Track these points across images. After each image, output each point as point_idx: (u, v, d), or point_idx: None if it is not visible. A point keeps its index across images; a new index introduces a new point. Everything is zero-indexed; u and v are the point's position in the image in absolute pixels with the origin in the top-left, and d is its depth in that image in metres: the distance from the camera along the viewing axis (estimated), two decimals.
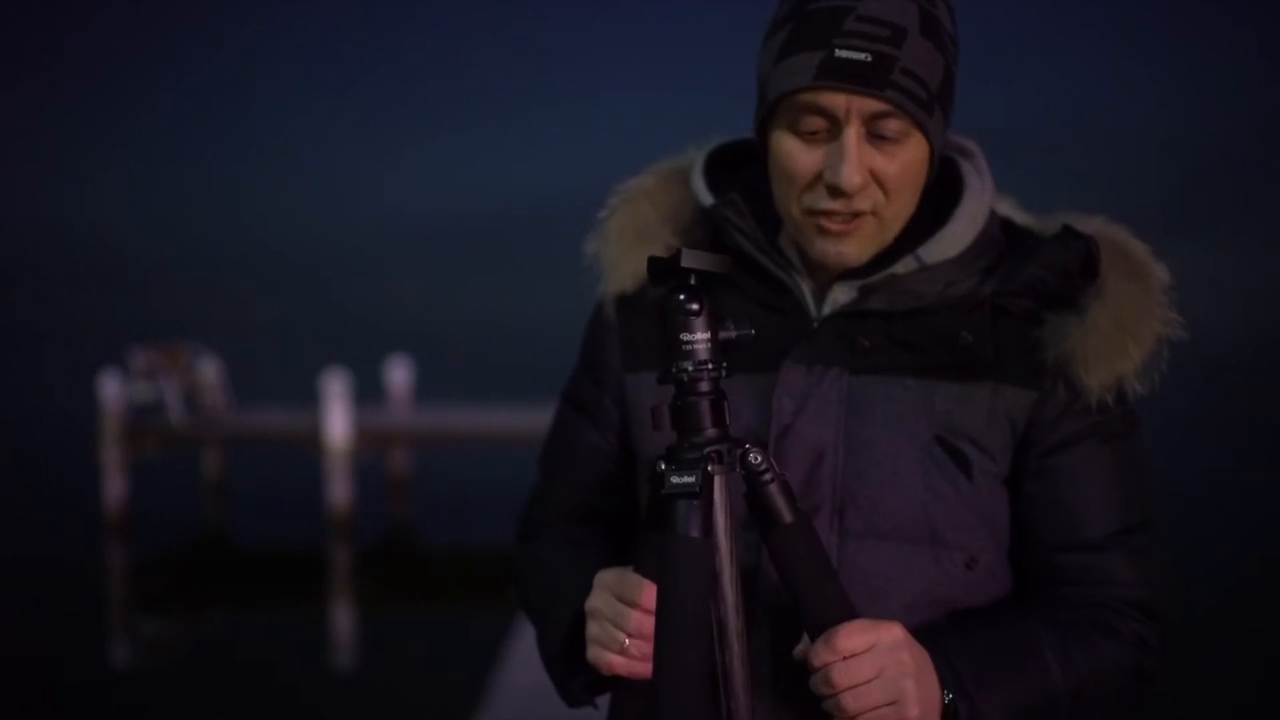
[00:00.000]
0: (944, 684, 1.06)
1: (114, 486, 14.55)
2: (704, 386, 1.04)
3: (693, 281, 1.04)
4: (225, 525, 15.74)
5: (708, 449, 1.04)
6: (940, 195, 1.22)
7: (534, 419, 15.37)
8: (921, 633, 1.09)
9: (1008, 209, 1.29)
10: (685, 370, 1.04)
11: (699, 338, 1.04)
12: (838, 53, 1.07)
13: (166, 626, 11.17)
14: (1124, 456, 1.20)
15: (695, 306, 1.04)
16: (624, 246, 1.27)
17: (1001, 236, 1.22)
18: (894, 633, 1.04)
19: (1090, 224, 1.22)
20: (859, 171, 1.09)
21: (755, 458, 1.05)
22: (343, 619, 11.62)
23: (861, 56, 1.07)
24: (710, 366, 1.04)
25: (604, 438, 1.32)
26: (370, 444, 14.97)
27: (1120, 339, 1.14)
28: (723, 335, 1.05)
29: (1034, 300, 1.17)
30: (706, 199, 1.25)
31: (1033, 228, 1.25)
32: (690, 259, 1.03)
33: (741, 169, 1.29)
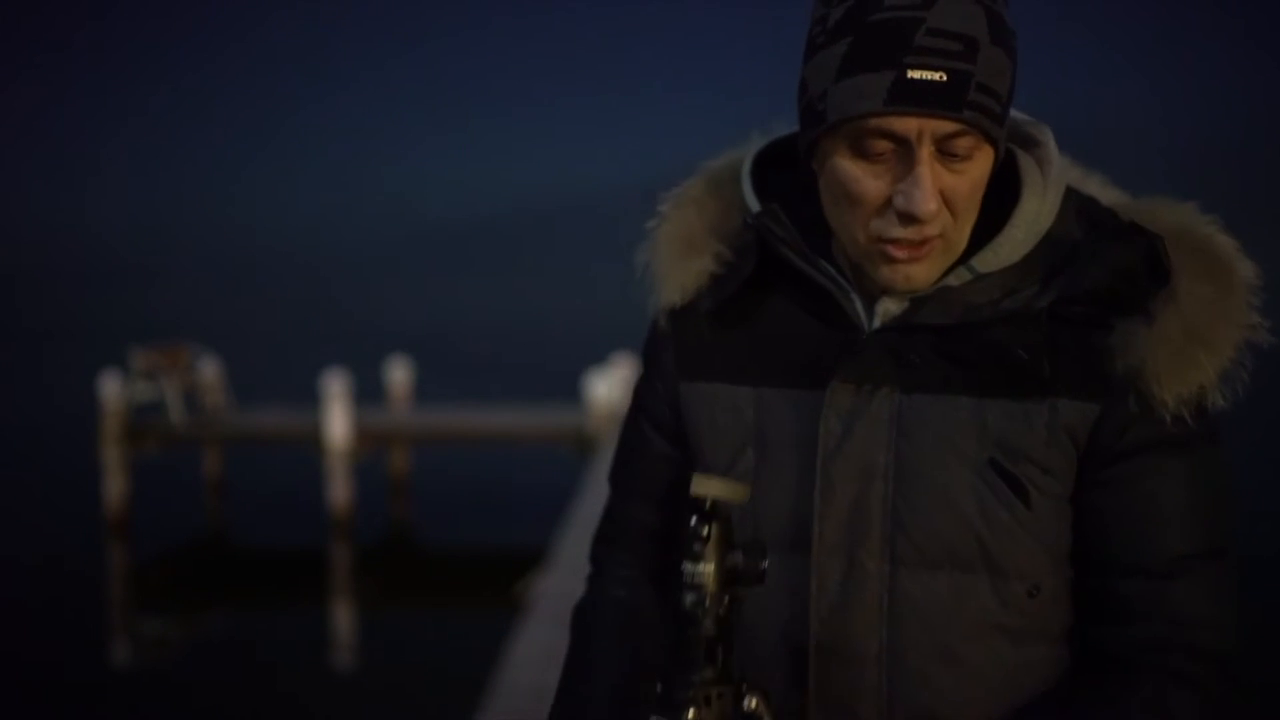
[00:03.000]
0: None
1: (115, 486, 14.57)
2: (706, 624, 0.99)
3: (707, 507, 0.99)
4: (225, 525, 15.76)
5: (698, 691, 0.98)
6: (998, 194, 1.11)
7: (534, 419, 15.39)
8: None
9: (1096, 187, 1.18)
10: (688, 602, 0.99)
11: (702, 570, 0.99)
12: (910, 73, 0.99)
13: (167, 625, 11.18)
14: (1199, 472, 1.08)
15: (704, 533, 0.98)
16: (673, 257, 1.22)
17: (1077, 228, 1.11)
18: None
19: (1176, 212, 1.11)
20: (934, 198, 1.02)
21: (750, 702, 1.00)
22: (343, 618, 11.63)
23: (936, 76, 0.99)
24: (713, 601, 0.98)
25: (669, 445, 1.28)
26: (370, 444, 14.98)
27: (1192, 350, 1.04)
28: (729, 563, 0.99)
29: (1098, 306, 1.07)
30: (754, 205, 1.18)
31: (1118, 210, 1.14)
32: (701, 486, 0.98)
33: (791, 166, 1.21)
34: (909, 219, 1.03)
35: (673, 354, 1.25)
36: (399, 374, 17.32)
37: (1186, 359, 1.04)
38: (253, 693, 8.64)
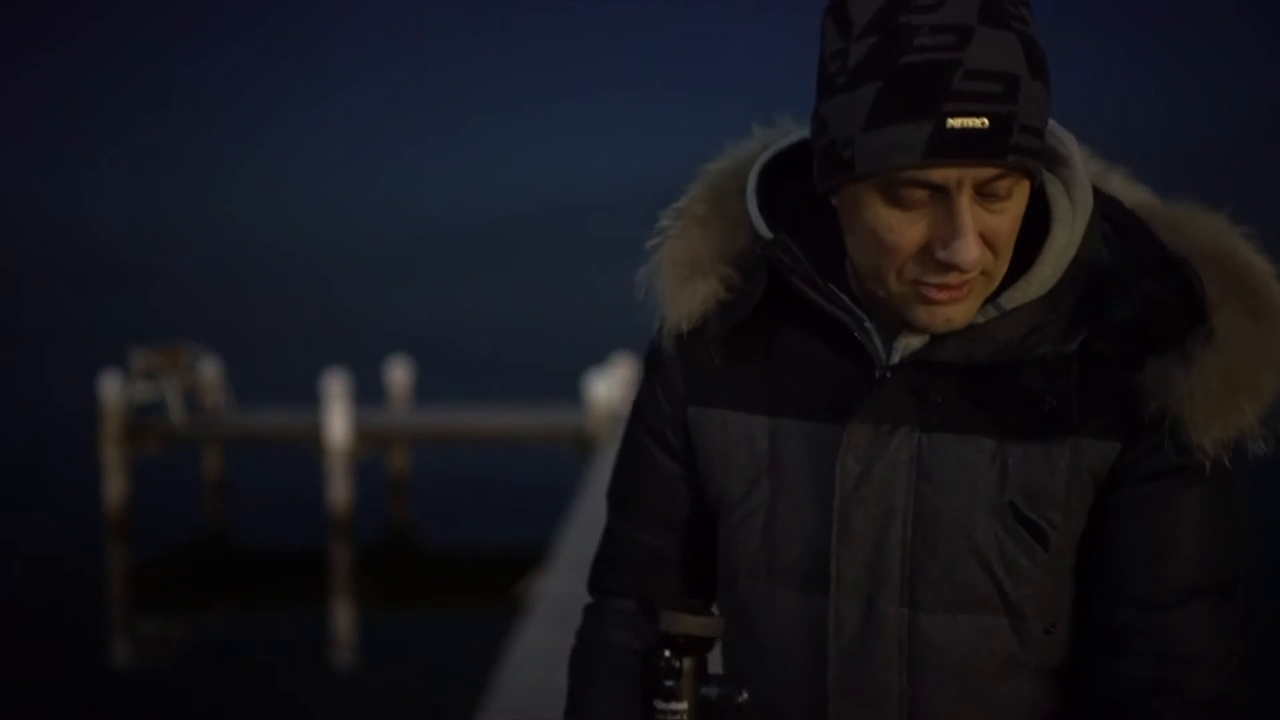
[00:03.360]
0: None
1: (115, 486, 14.56)
2: None
3: (680, 642, 0.96)
4: (225, 524, 15.76)
5: None
6: (1026, 224, 1.04)
7: (534, 419, 15.39)
8: None
9: (1118, 184, 1.13)
10: None
11: (675, 708, 0.96)
12: (950, 122, 0.93)
13: (167, 625, 11.19)
14: (1214, 503, 1.04)
15: (677, 668, 0.96)
16: (677, 281, 1.17)
17: (1105, 250, 1.06)
18: None
19: (1208, 226, 1.06)
20: (977, 245, 0.97)
21: None
22: (342, 618, 11.63)
23: (978, 123, 0.93)
24: None
25: (679, 467, 1.24)
26: (370, 444, 14.99)
27: (1232, 395, 0.99)
28: (703, 697, 0.97)
29: (1131, 342, 1.02)
30: (763, 230, 1.12)
31: (1149, 218, 1.09)
32: (672, 622, 0.96)
33: (798, 177, 1.15)
34: (949, 268, 0.98)
35: (681, 378, 1.21)
36: (399, 374, 17.32)
37: (1225, 404, 0.99)
38: (253, 693, 8.64)
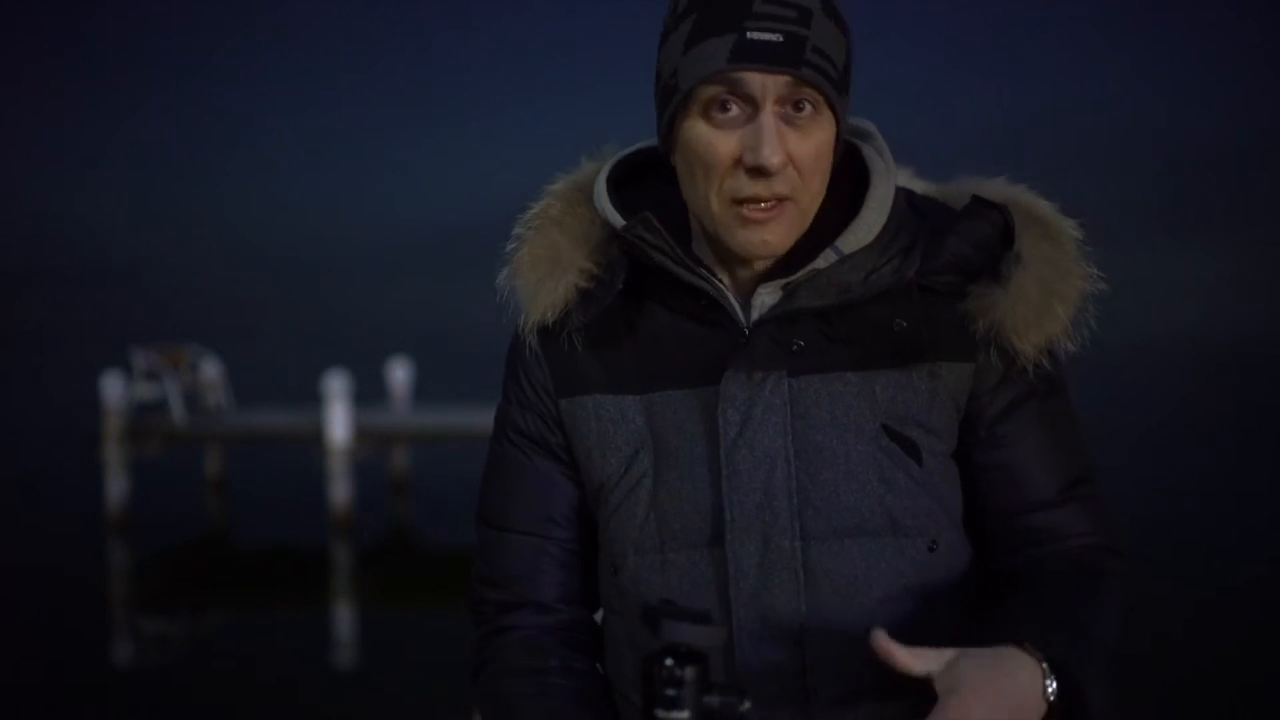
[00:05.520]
0: (1043, 673, 1.05)
1: (116, 486, 14.57)
2: None
3: (682, 650, 0.96)
4: (227, 524, 15.77)
5: None
6: (848, 182, 1.21)
7: None
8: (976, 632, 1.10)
9: (905, 179, 1.28)
10: None
11: (677, 717, 0.96)
12: (750, 35, 1.08)
13: (168, 625, 11.19)
14: (1061, 414, 1.23)
15: (680, 679, 0.96)
16: (538, 276, 1.23)
17: (911, 213, 1.22)
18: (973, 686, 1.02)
19: (994, 187, 1.23)
20: (779, 150, 1.10)
21: None
22: (343, 618, 11.64)
23: (774, 37, 1.08)
24: None
25: (559, 464, 1.28)
26: (371, 444, 14.99)
27: (1047, 302, 1.15)
28: (705, 706, 0.96)
29: (957, 275, 1.18)
30: (617, 220, 1.21)
31: (936, 197, 1.26)
32: (674, 632, 0.96)
33: (642, 181, 1.27)
34: (758, 172, 1.10)
35: (548, 373, 1.26)
36: (399, 374, 17.33)
37: (1043, 310, 1.16)
38: (253, 693, 8.64)
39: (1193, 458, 20.04)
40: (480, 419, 15.69)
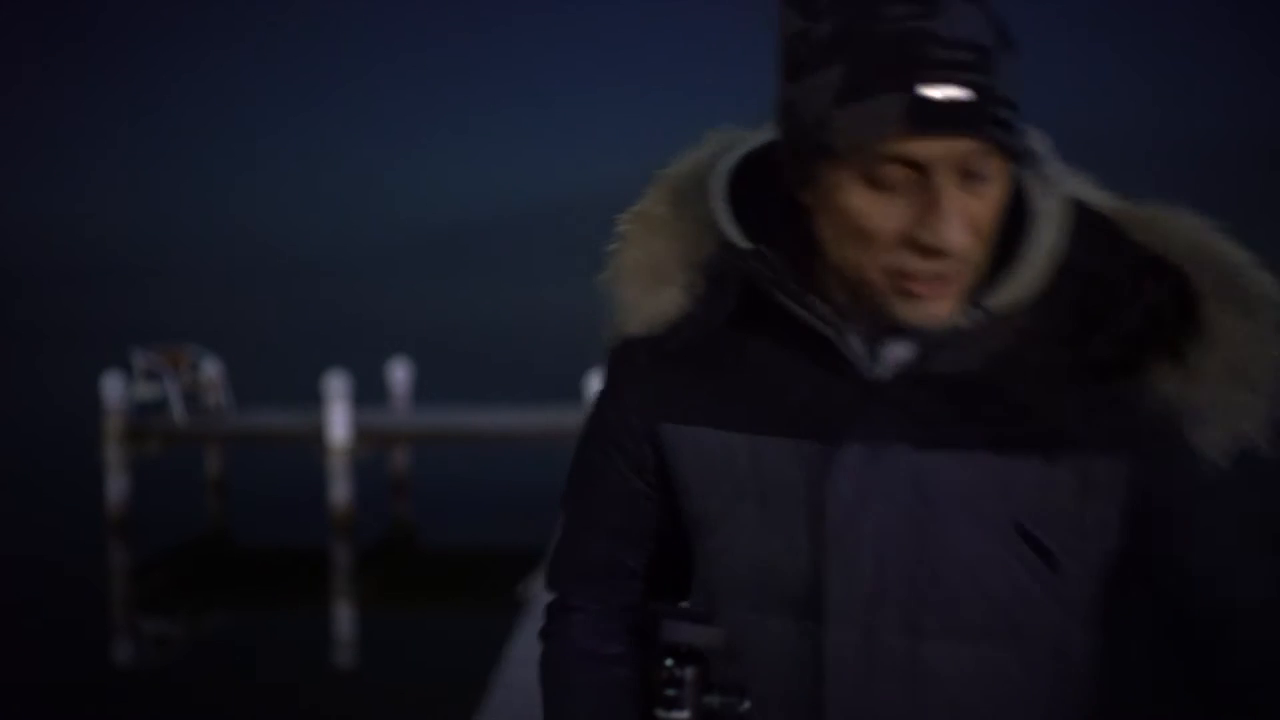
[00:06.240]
0: None
1: (116, 485, 14.57)
2: None
3: (683, 651, 0.94)
4: (227, 524, 15.76)
5: None
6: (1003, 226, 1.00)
7: (534, 419, 15.38)
8: None
9: (1076, 187, 1.06)
10: None
11: (677, 717, 0.95)
12: (929, 92, 0.88)
13: (168, 625, 11.18)
14: (1236, 509, 1.02)
15: (681, 679, 0.94)
16: (640, 287, 1.11)
17: (1088, 254, 1.01)
18: None
19: (1185, 225, 1.02)
20: (962, 229, 0.92)
21: None
22: (343, 618, 11.63)
23: (959, 93, 0.89)
24: None
25: (648, 486, 1.18)
26: (371, 444, 14.99)
27: (1235, 392, 0.97)
28: (706, 706, 0.95)
29: (1126, 348, 0.99)
30: (738, 240, 1.06)
31: (1114, 219, 1.04)
32: (672, 632, 0.94)
33: (766, 181, 1.08)
34: (934, 253, 0.93)
35: (651, 392, 1.14)
36: (399, 374, 17.32)
37: (1229, 402, 0.97)
38: (253, 693, 8.63)
39: None
40: (480, 419, 15.72)
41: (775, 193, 1.06)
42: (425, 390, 18.39)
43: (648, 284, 1.11)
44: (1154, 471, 0.99)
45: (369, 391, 16.66)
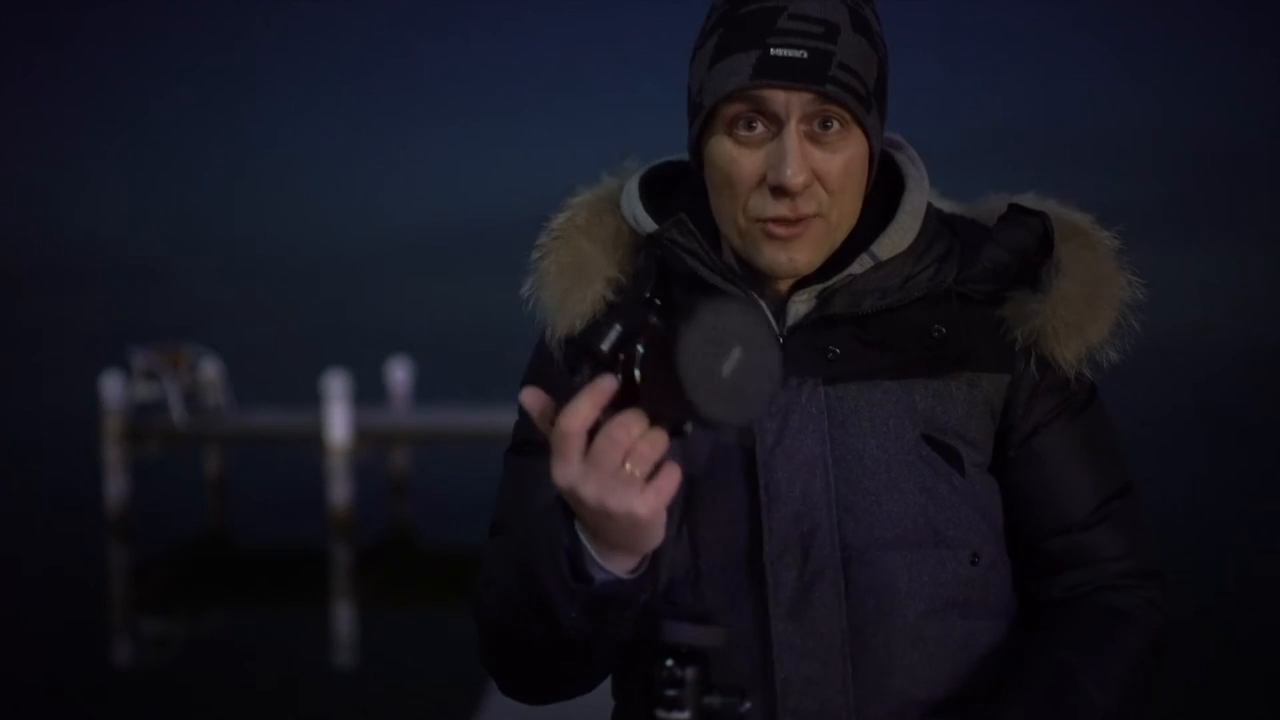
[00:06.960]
0: None
1: (116, 485, 14.56)
2: None
3: (683, 651, 0.96)
4: (226, 524, 15.75)
5: None
6: (885, 193, 1.20)
7: None
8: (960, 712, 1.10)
9: (933, 199, 1.26)
10: None
11: (677, 718, 0.97)
12: (773, 51, 1.07)
13: (168, 625, 11.18)
14: (1093, 428, 1.21)
15: (681, 679, 0.96)
16: (565, 286, 1.21)
17: (943, 225, 1.21)
18: None
19: (1025, 201, 1.21)
20: (802, 169, 1.08)
21: None
22: (343, 618, 11.63)
23: (798, 54, 1.06)
24: None
25: None
26: (371, 444, 14.99)
27: (1089, 308, 1.15)
28: (706, 707, 0.97)
29: (995, 283, 1.16)
30: (649, 224, 1.20)
31: (966, 214, 1.24)
32: (675, 632, 0.96)
33: (673, 193, 1.25)
34: (781, 192, 1.09)
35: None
36: (399, 374, 17.33)
37: (1085, 316, 1.15)
38: (253, 693, 8.63)
39: (1192, 458, 20.03)
40: (480, 419, 15.72)
41: (685, 184, 1.23)
42: (425, 390, 18.39)
43: (571, 284, 1.21)
44: (1023, 385, 1.17)
45: (369, 391, 16.66)
